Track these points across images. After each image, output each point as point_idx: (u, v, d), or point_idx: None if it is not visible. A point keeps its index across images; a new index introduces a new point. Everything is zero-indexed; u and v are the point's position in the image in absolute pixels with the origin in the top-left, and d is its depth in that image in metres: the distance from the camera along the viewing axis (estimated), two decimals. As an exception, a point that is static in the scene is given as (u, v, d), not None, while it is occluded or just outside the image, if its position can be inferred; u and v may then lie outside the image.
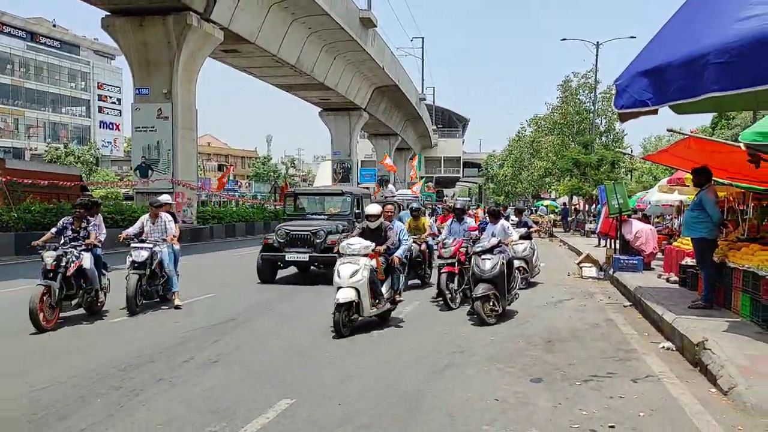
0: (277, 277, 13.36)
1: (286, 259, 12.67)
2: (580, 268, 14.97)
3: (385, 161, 40.83)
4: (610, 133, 38.01)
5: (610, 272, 13.72)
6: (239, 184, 74.12)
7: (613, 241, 15.70)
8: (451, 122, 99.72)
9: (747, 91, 5.37)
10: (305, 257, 12.51)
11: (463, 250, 10.13)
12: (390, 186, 30.35)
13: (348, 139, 46.42)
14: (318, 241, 12.51)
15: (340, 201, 14.44)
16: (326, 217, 13.82)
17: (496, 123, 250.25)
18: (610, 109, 36.12)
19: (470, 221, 11.09)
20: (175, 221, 10.33)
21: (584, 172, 34.51)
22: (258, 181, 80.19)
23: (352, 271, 7.83)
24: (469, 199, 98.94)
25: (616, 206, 14.25)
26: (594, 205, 33.38)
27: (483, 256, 9.07)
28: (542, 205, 44.39)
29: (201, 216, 29.08)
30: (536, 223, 32.47)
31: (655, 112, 6.12)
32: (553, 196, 52.77)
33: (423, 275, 12.68)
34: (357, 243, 8.16)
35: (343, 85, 41.06)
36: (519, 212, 15.30)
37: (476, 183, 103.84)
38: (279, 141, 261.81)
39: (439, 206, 37.14)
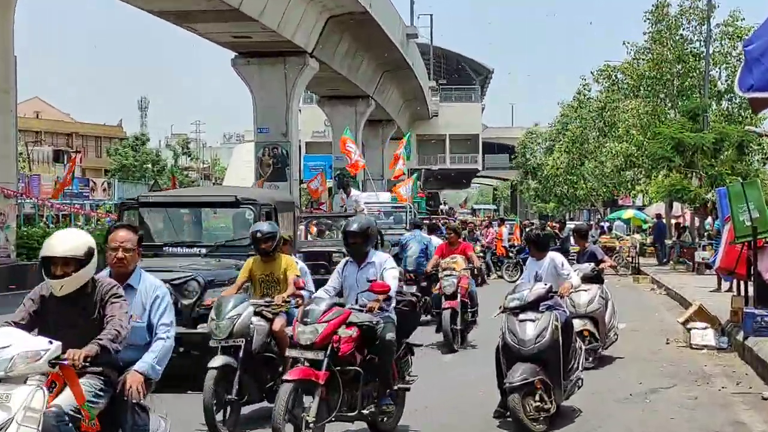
0: None
1: None
2: (688, 330, 15.07)
3: (345, 146, 37.37)
4: (735, 94, 37.93)
5: (740, 337, 13.82)
6: (92, 185, 73.31)
7: (743, 283, 15.81)
8: (462, 76, 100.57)
9: None
10: None
11: (347, 334, 8.11)
12: (355, 193, 29.91)
13: (283, 105, 45.41)
14: (185, 302, 11.22)
15: (230, 218, 13.42)
16: (205, 251, 12.57)
17: (540, 77, 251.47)
18: (735, 53, 36.31)
19: (382, 261, 9.07)
20: None
21: (692, 161, 34.50)
22: (126, 180, 79.31)
23: None
24: (495, 208, 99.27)
25: (747, 223, 14.35)
26: (710, 219, 33.37)
27: (522, 316, 9.05)
28: (620, 218, 44.34)
29: (24, 243, 28.80)
30: (611, 250, 32.40)
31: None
32: (639, 203, 52.86)
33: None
34: (9, 345, 5.16)
35: (274, 13, 40.76)
36: (582, 236, 15.30)
37: (506, 180, 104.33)
38: (161, 109, 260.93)
39: (442, 222, 36.67)
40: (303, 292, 9.35)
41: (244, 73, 46.27)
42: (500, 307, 9.46)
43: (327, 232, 23.06)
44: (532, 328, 8.91)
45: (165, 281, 7.57)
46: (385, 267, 8.80)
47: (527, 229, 24.76)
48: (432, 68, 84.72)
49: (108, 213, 47.77)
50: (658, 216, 43.42)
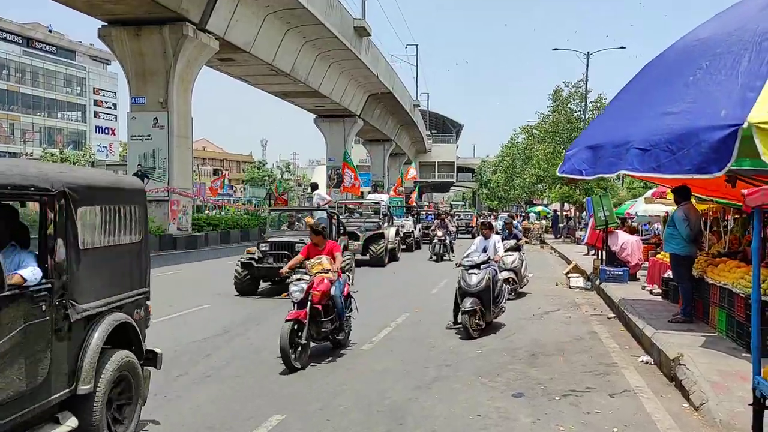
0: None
1: None
2: (568, 278, 15.17)
3: (344, 170, 28.71)
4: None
5: (597, 283, 13.91)
6: (234, 189, 74.24)
7: (600, 251, 15.93)
8: (445, 128, 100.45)
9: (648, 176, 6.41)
10: None
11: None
12: (318, 192, 22.67)
13: (342, 145, 45.91)
14: None
15: None
16: None
17: (491, 128, 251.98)
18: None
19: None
20: None
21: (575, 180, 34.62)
22: (253, 186, 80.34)
23: None
24: (463, 204, 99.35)
25: (603, 218, 14.52)
26: (585, 214, 33.42)
27: (470, 271, 9.13)
28: (534, 211, 44.73)
29: (196, 223, 29.17)
30: (528, 230, 32.79)
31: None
32: (545, 203, 53.09)
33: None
34: None
35: (338, 93, 41.26)
36: (508, 223, 15.19)
37: (470, 188, 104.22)
38: (274, 145, 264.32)
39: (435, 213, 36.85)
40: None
41: (321, 127, 47.07)
42: (457, 264, 9.53)
43: (296, 224, 15.66)
44: (475, 278, 9.03)
45: None
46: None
47: (481, 219, 23.77)
48: (428, 123, 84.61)
49: (242, 205, 48.24)
50: (555, 211, 43.67)
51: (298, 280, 7.40)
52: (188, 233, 27.28)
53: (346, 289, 8.00)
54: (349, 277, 8.30)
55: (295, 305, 7.25)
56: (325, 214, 14.55)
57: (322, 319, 7.46)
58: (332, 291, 7.62)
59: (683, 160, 5.45)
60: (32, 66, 70.87)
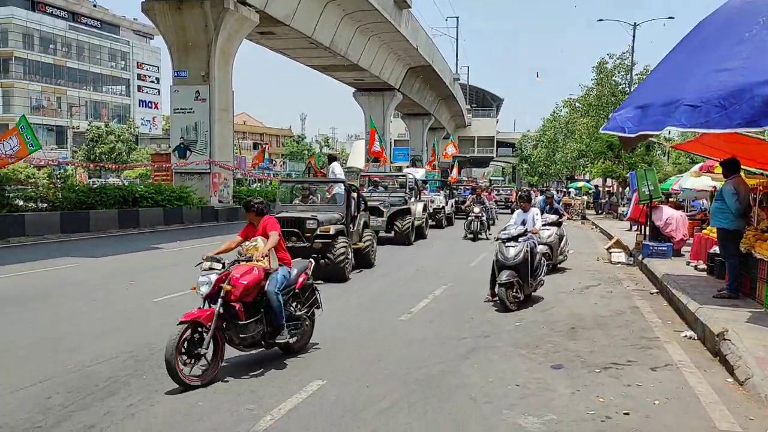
0: None
1: None
2: (610, 253, 14.97)
3: (373, 137, 28.72)
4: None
5: (639, 258, 13.67)
6: (274, 162, 74.88)
7: (643, 227, 15.64)
8: (485, 102, 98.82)
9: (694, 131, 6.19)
10: None
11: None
12: (334, 165, 18.76)
13: (381, 119, 45.78)
14: None
15: None
16: None
17: (531, 103, 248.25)
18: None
19: None
20: None
21: (618, 154, 33.97)
22: (292, 160, 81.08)
23: None
24: (503, 179, 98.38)
25: (647, 193, 14.23)
26: (628, 189, 32.87)
27: (508, 244, 9.06)
28: (575, 187, 44.08)
29: (237, 195, 29.53)
30: (569, 205, 32.43)
31: (633, 140, 7.17)
32: (587, 178, 52.30)
33: None
34: None
35: (377, 66, 41.00)
36: (549, 198, 14.90)
37: (510, 163, 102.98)
38: (313, 120, 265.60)
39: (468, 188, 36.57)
40: None
41: (360, 101, 47.00)
42: (495, 238, 9.47)
43: (311, 197, 13.13)
44: (513, 251, 8.96)
45: None
46: None
47: (519, 192, 22.87)
48: (468, 97, 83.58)
49: (282, 178, 48.71)
50: (596, 186, 42.96)
51: (209, 269, 5.64)
52: (229, 205, 27.65)
53: (300, 280, 6.39)
54: (310, 263, 6.78)
55: (204, 302, 5.64)
56: (341, 187, 12.85)
57: (243, 321, 5.67)
58: (267, 285, 5.89)
59: (734, 114, 5.32)
60: (78, 40, 72.24)
